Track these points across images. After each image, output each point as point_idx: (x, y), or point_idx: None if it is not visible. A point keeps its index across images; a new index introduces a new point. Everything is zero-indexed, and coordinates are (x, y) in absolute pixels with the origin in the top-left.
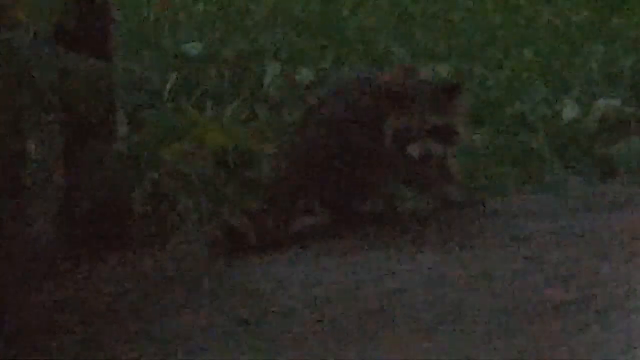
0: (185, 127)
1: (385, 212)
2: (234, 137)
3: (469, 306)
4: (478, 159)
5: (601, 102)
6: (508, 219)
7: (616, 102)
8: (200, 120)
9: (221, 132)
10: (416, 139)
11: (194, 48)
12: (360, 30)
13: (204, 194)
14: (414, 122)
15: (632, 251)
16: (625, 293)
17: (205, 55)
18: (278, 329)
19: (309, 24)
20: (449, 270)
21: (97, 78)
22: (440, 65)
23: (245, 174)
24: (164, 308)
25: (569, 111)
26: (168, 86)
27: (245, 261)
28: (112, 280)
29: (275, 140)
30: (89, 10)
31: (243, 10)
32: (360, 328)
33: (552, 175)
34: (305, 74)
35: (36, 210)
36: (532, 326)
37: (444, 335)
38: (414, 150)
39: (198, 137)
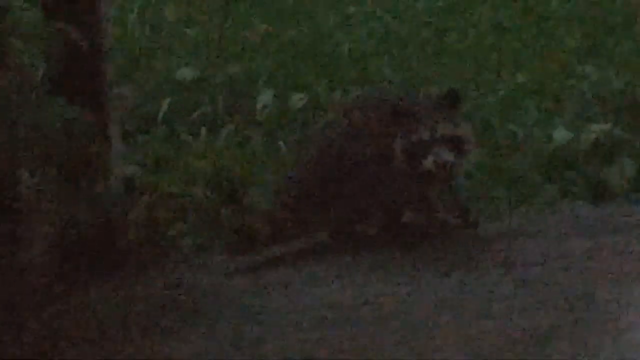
0: (179, 152)
1: (385, 234)
2: (228, 163)
3: (457, 331)
4: (473, 182)
5: (593, 126)
6: (501, 241)
7: (608, 126)
8: (194, 146)
9: (215, 158)
10: (428, 151)
11: (187, 73)
12: (353, 54)
13: (198, 219)
14: (425, 135)
15: (625, 274)
16: (617, 316)
17: (199, 80)
18: (273, 351)
19: (302, 49)
20: (443, 294)
21: (75, 125)
22: (434, 88)
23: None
24: (159, 332)
25: (561, 134)
26: (161, 111)
27: (243, 283)
28: (106, 305)
29: (269, 164)
30: (79, 53)
31: (236, 36)
32: (354, 351)
33: (545, 198)
34: (298, 99)
35: (30, 237)
36: (522, 349)
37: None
38: (429, 162)
39: (192, 162)
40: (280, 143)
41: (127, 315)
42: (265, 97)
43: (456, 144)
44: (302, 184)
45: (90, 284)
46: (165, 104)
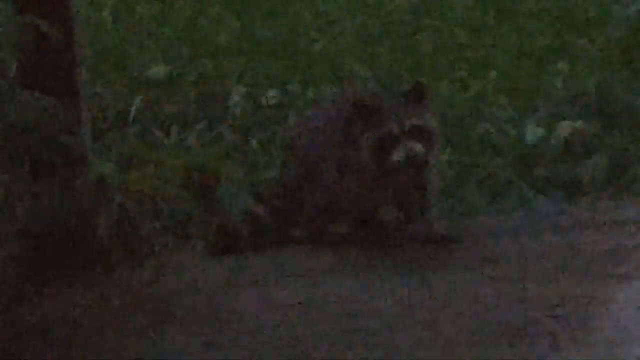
0: (150, 150)
1: (357, 232)
2: (200, 160)
3: (433, 329)
4: (445, 180)
5: (566, 123)
6: (474, 239)
7: (580, 124)
8: (165, 144)
9: (187, 156)
10: (397, 144)
11: (159, 71)
12: (326, 51)
13: (171, 218)
14: (393, 128)
15: (599, 271)
16: (591, 313)
17: (171, 78)
18: (243, 351)
19: (274, 46)
20: (415, 293)
21: (49, 117)
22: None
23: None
24: (131, 332)
25: (534, 131)
26: (133, 110)
27: (214, 281)
28: (78, 304)
29: (241, 162)
30: (51, 48)
31: (208, 34)
32: (321, 350)
33: (517, 196)
34: (270, 96)
35: (2, 235)
36: (496, 348)
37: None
38: (398, 154)
39: (163, 160)
40: (253, 140)
41: (99, 314)
42: (238, 95)
43: (425, 136)
44: (281, 182)
45: (62, 283)
46: (137, 102)
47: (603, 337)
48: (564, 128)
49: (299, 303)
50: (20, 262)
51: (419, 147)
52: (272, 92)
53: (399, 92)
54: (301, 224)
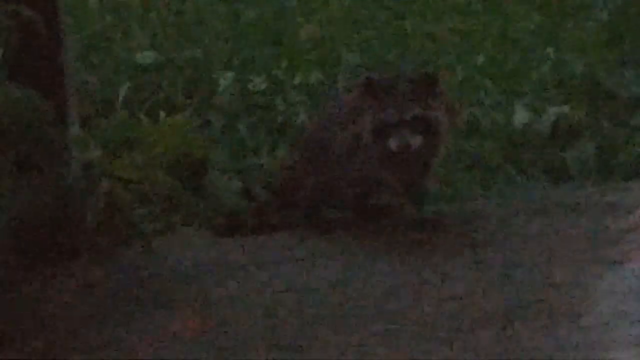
0: (138, 136)
1: (352, 216)
2: (187, 146)
3: (421, 313)
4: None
5: (553, 108)
6: (462, 224)
7: (567, 109)
8: (153, 130)
9: (174, 141)
10: (395, 131)
11: (146, 57)
12: (312, 37)
13: (159, 204)
14: (393, 115)
15: (584, 256)
16: (576, 298)
17: (158, 64)
18: (231, 340)
19: (262, 31)
20: (400, 278)
21: (31, 109)
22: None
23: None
24: (118, 317)
25: (520, 116)
26: (121, 95)
27: (204, 266)
28: (64, 292)
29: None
30: (36, 34)
31: (196, 19)
32: (305, 337)
33: (504, 180)
34: (258, 82)
35: None
36: (484, 332)
37: (386, 344)
38: (393, 143)
39: (151, 146)
40: (240, 126)
41: (87, 301)
42: (227, 80)
43: (427, 127)
44: (283, 165)
45: (49, 270)
46: (124, 88)
47: (590, 321)
48: (551, 113)
49: (290, 287)
50: (7, 249)
51: (414, 138)
52: (259, 78)
53: (410, 79)
54: (298, 208)
